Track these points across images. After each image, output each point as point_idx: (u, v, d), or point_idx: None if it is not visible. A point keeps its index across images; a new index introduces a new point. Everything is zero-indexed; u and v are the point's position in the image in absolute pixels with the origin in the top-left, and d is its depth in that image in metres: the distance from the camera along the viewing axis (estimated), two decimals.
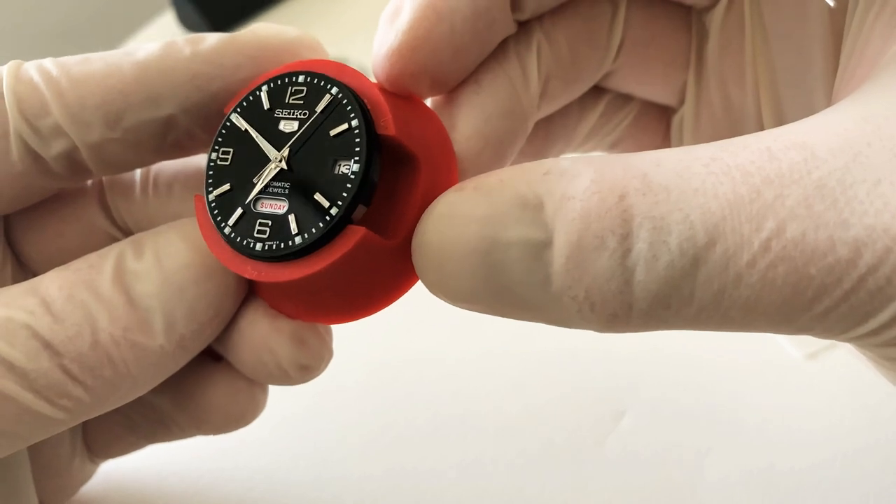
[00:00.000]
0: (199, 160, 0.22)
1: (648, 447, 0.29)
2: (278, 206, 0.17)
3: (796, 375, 0.30)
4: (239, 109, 0.19)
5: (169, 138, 0.20)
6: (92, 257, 0.19)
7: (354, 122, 0.17)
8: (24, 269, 0.22)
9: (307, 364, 0.20)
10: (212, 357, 0.22)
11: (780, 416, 0.29)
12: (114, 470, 0.28)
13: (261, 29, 0.20)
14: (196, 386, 0.22)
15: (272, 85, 0.18)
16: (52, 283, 0.18)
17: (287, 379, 0.20)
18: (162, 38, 0.66)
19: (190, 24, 0.64)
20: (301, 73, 0.18)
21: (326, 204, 0.17)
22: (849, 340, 0.15)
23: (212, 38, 0.19)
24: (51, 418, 0.18)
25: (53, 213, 0.21)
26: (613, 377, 0.32)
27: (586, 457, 0.29)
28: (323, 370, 0.21)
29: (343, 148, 0.17)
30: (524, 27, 0.20)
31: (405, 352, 0.34)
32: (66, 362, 0.17)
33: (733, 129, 0.23)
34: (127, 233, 0.22)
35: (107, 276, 0.18)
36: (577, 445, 0.29)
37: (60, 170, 0.19)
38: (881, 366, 0.17)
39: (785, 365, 0.31)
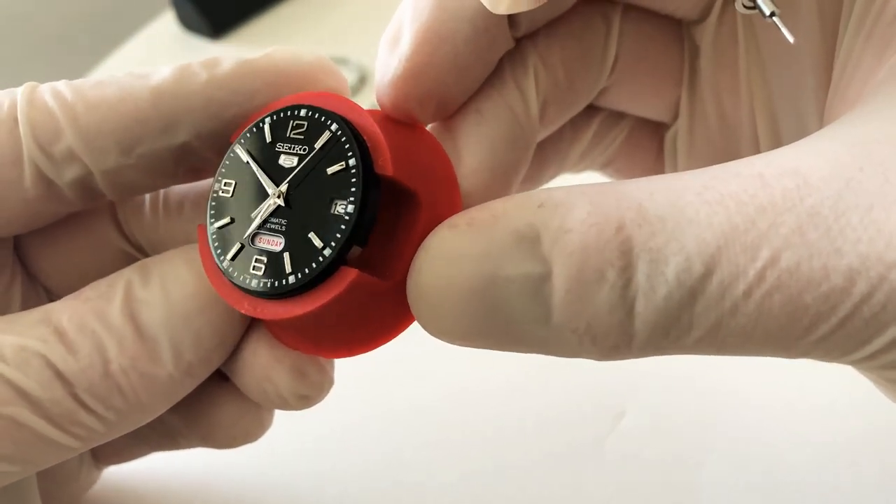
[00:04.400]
0: (210, 179, 0.22)
1: (648, 448, 0.29)
2: (275, 243, 0.17)
3: (796, 376, 0.30)
4: (242, 141, 0.18)
5: (183, 163, 0.20)
6: (101, 285, 0.19)
7: (352, 162, 0.17)
8: (35, 285, 0.22)
9: (307, 394, 0.20)
10: (221, 377, 0.22)
11: (779, 417, 0.29)
12: (112, 470, 0.28)
13: (278, 53, 0.19)
14: (205, 405, 0.22)
15: (275, 117, 0.18)
16: (63, 312, 0.18)
17: (287, 406, 0.20)
18: (162, 39, 0.65)
19: (190, 24, 0.64)
20: (303, 106, 0.18)
21: (320, 244, 0.17)
22: (846, 363, 0.15)
23: (228, 62, 0.19)
24: (64, 445, 0.18)
25: (66, 228, 0.21)
26: (614, 378, 0.32)
27: (586, 457, 0.29)
28: (323, 398, 0.21)
29: (340, 187, 0.17)
30: (519, 51, 0.20)
31: (405, 353, 0.34)
32: (78, 391, 0.18)
33: (728, 142, 0.23)
34: (139, 249, 0.22)
35: (116, 305, 0.18)
36: (577, 446, 0.29)
37: (72, 195, 0.19)
38: (881, 385, 0.17)
39: (785, 365, 0.31)
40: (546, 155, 0.24)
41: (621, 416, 0.30)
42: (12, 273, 0.21)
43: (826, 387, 0.30)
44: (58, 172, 0.19)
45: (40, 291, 0.22)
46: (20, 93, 0.19)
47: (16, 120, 0.18)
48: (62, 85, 0.19)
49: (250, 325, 0.20)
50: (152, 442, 0.25)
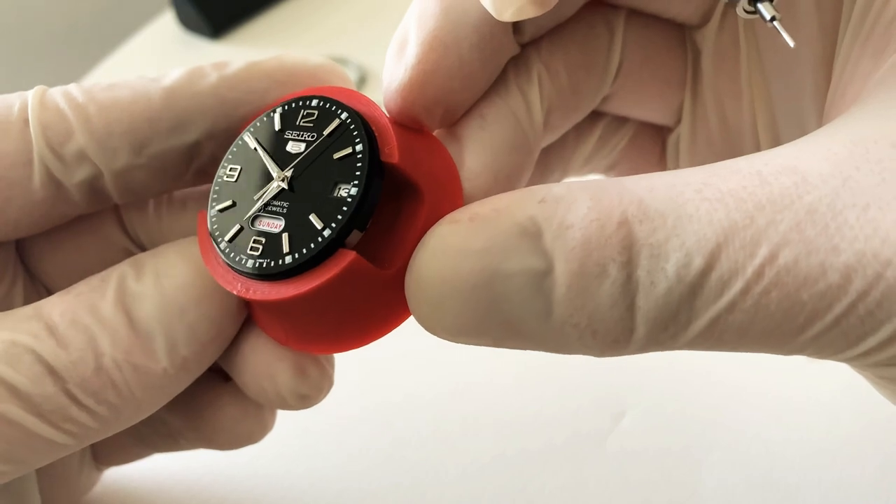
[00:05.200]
0: None
1: (648, 447, 0.29)
2: (275, 225, 0.17)
3: (796, 376, 0.31)
4: (252, 129, 0.19)
5: (193, 164, 0.20)
6: (94, 280, 0.19)
7: (359, 147, 0.17)
8: (37, 286, 0.22)
9: (306, 394, 0.20)
10: (222, 377, 0.22)
11: (780, 417, 0.29)
12: (112, 471, 0.28)
13: (286, 56, 0.20)
14: (206, 405, 0.22)
15: (286, 107, 0.19)
16: (55, 307, 0.18)
17: (286, 406, 0.20)
18: (162, 39, 0.65)
19: (190, 25, 0.64)
20: (315, 97, 0.18)
21: (320, 225, 0.17)
22: (841, 361, 0.15)
23: (237, 63, 0.20)
24: (56, 443, 0.18)
25: (69, 228, 0.21)
26: (614, 377, 0.32)
27: (586, 457, 0.29)
28: (322, 399, 0.20)
29: (344, 171, 0.17)
30: (524, 57, 0.20)
31: (405, 351, 0.34)
32: (70, 387, 0.17)
33: (730, 145, 0.23)
34: (143, 249, 0.22)
35: (109, 299, 0.18)
36: (577, 445, 0.29)
37: (80, 197, 0.19)
38: (876, 384, 0.17)
39: (785, 364, 0.31)
40: (550, 160, 0.24)
41: (622, 414, 0.30)
42: (14, 274, 0.21)
43: (826, 385, 0.30)
44: (67, 174, 0.19)
45: (42, 293, 0.22)
46: (31, 95, 0.19)
47: (26, 121, 0.18)
48: (74, 88, 0.19)
49: (249, 322, 0.20)
50: (153, 443, 0.25)
